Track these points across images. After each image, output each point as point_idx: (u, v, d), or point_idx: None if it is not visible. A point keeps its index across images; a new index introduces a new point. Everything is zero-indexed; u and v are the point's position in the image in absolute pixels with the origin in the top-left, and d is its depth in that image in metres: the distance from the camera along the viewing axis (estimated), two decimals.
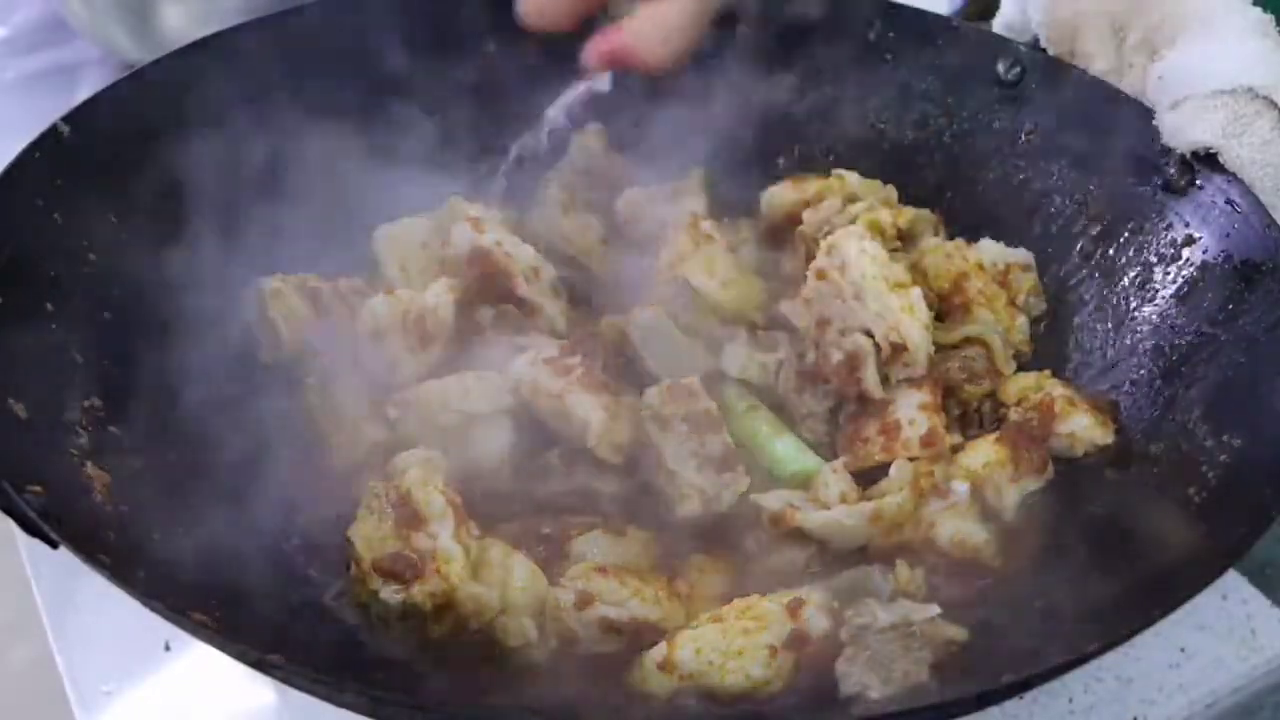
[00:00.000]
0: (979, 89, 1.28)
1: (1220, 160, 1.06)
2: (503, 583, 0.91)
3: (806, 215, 1.23)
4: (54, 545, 0.77)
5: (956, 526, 0.98)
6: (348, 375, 1.11)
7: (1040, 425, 1.05)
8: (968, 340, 1.13)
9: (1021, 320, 1.16)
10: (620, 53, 1.19)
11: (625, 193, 1.31)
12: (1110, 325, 1.13)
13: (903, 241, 1.21)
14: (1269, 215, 1.03)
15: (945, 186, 1.30)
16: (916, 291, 1.08)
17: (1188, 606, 0.77)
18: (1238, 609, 0.98)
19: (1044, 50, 1.27)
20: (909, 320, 1.06)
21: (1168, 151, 1.11)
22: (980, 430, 1.10)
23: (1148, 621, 0.76)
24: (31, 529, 0.77)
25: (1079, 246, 1.18)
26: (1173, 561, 0.88)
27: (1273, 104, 1.05)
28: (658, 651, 0.87)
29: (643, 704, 0.87)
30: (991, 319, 1.14)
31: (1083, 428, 1.04)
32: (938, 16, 1.37)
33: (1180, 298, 1.08)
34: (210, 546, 0.94)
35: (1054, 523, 1.02)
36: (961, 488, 1.00)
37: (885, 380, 1.07)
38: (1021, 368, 1.14)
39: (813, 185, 1.26)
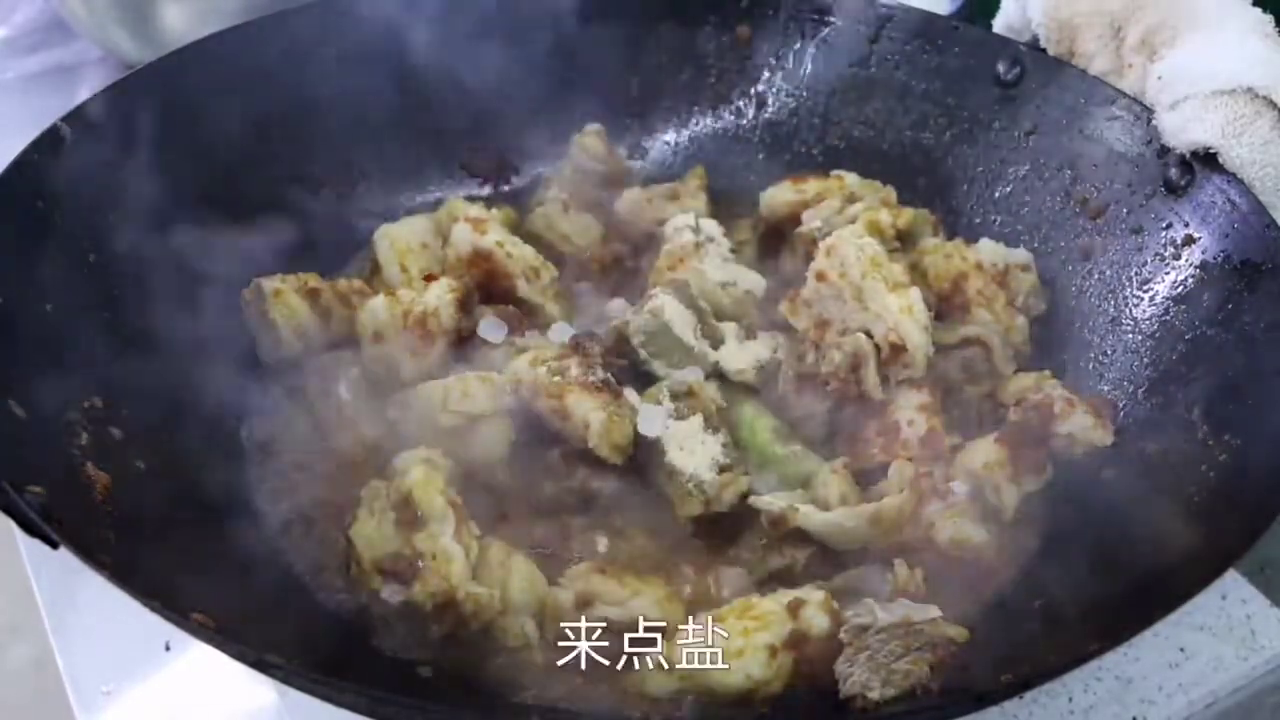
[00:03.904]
0: (979, 89, 1.28)
1: (1220, 160, 1.06)
2: (503, 583, 0.91)
3: (806, 215, 1.23)
4: (54, 545, 0.77)
5: (956, 526, 0.98)
6: (348, 375, 1.12)
7: (1040, 425, 1.05)
8: (967, 340, 1.13)
9: (1021, 320, 1.16)
10: None
11: (625, 193, 1.31)
12: (1110, 325, 1.13)
13: (902, 241, 1.21)
14: (1269, 215, 1.03)
15: (945, 187, 1.30)
16: (915, 292, 1.08)
17: (1188, 606, 0.77)
18: (1237, 609, 0.98)
19: (1044, 50, 1.28)
20: (908, 321, 1.06)
21: (1167, 151, 1.11)
22: (980, 430, 1.10)
23: (1148, 621, 0.76)
24: (31, 529, 0.77)
25: (1079, 246, 1.19)
26: (1173, 561, 0.88)
27: (1273, 104, 1.05)
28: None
29: (643, 704, 0.87)
30: (991, 319, 1.14)
31: (1082, 428, 1.04)
32: (938, 16, 1.37)
33: (1180, 298, 1.08)
34: (210, 546, 0.94)
35: (1054, 523, 1.03)
36: (961, 488, 1.00)
37: (885, 381, 1.07)
38: (1021, 368, 1.14)
39: (812, 185, 1.27)
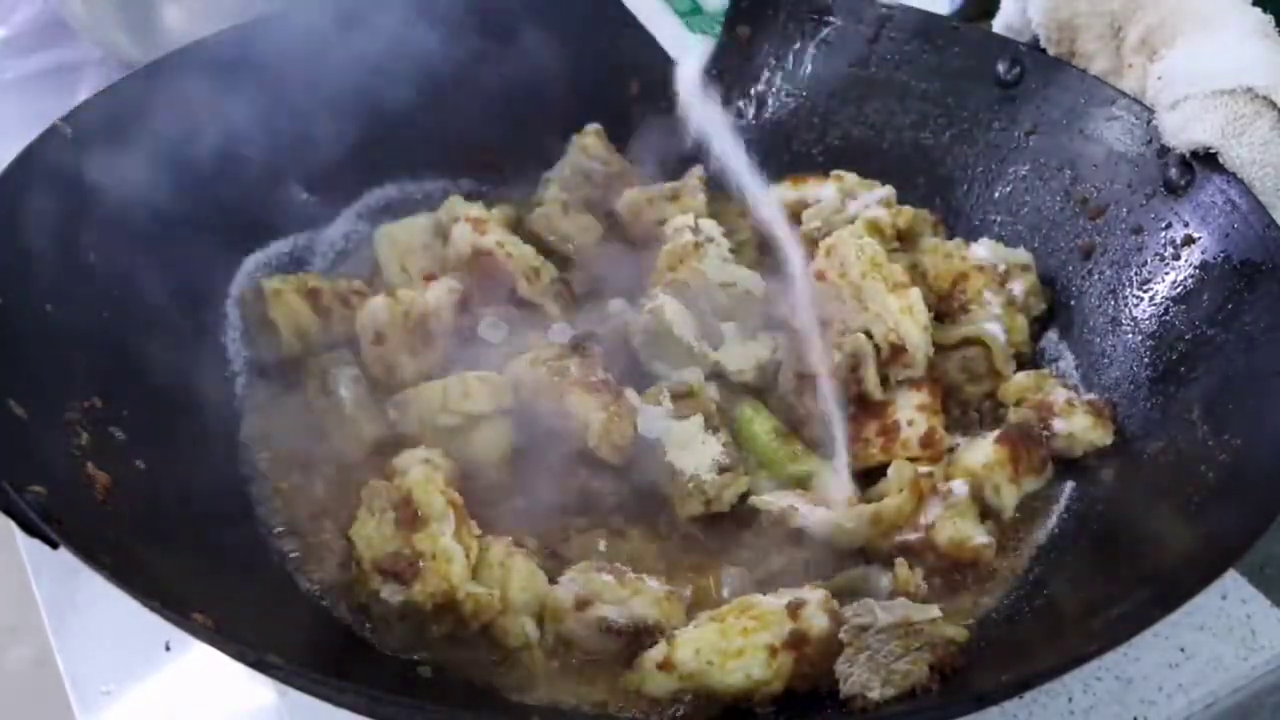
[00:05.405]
0: (979, 89, 1.28)
1: (1220, 160, 1.06)
2: (503, 583, 0.91)
3: (806, 215, 1.23)
4: (54, 545, 0.77)
5: (956, 526, 0.98)
6: (348, 375, 1.12)
7: (1040, 425, 1.05)
8: (967, 340, 1.13)
9: (1021, 320, 1.16)
10: None
11: (625, 193, 1.31)
12: (1110, 325, 1.13)
13: (902, 241, 1.21)
14: (1269, 215, 1.03)
15: (945, 186, 1.30)
16: (915, 292, 1.08)
17: (1188, 606, 0.77)
18: (1237, 609, 0.98)
19: (1044, 50, 1.27)
20: (908, 321, 1.06)
21: (1167, 151, 1.11)
22: (980, 430, 1.10)
23: (1148, 621, 0.76)
24: (31, 529, 0.77)
25: (1078, 246, 1.18)
26: (1173, 561, 0.88)
27: (1273, 104, 1.05)
28: (658, 651, 0.87)
29: (642, 704, 0.87)
30: (991, 319, 1.14)
31: (1082, 428, 1.04)
32: (938, 16, 1.37)
33: (1180, 298, 1.08)
34: (210, 546, 0.94)
35: (1054, 523, 1.03)
36: (961, 488, 1.00)
37: (885, 381, 1.07)
38: (1021, 368, 1.14)
39: (812, 185, 1.27)
